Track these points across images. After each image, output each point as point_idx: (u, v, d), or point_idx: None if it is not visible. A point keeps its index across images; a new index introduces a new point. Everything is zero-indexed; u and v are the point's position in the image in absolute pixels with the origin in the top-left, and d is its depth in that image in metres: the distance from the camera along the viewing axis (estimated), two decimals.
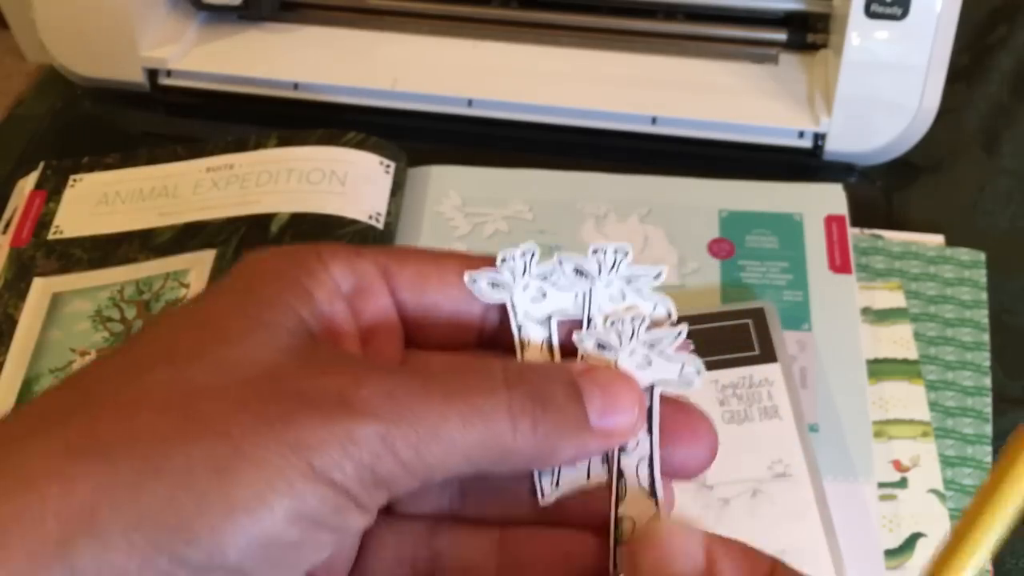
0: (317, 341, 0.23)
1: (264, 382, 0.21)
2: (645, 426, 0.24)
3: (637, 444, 0.24)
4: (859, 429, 0.47)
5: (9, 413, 0.21)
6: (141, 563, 0.19)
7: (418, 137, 0.60)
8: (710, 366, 0.48)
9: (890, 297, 0.52)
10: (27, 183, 0.59)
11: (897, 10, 0.53)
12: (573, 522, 0.25)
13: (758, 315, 0.49)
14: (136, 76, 0.63)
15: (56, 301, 0.53)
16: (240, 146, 0.59)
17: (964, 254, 0.54)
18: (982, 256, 0.54)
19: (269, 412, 0.20)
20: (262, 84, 0.62)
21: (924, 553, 0.44)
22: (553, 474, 0.24)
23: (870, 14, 0.53)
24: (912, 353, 0.50)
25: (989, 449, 0.47)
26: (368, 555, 0.25)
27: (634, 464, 0.24)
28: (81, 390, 0.21)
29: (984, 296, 0.52)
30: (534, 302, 0.25)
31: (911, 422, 0.48)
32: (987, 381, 0.49)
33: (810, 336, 0.50)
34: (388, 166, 0.57)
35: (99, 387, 0.21)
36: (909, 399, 0.49)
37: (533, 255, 0.25)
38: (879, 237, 0.55)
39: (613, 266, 0.25)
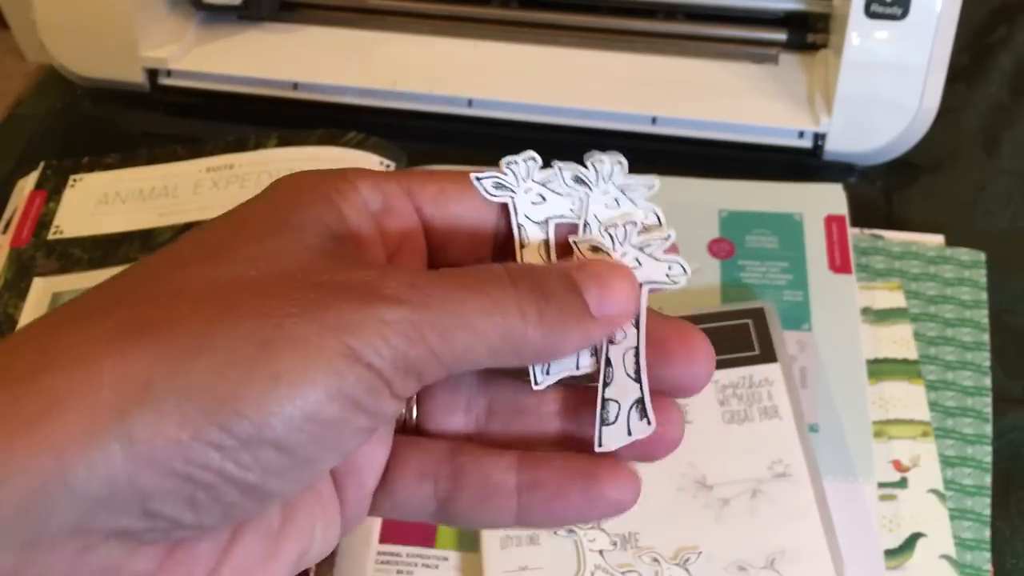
0: (344, 247, 0.24)
1: (298, 273, 0.22)
2: (633, 320, 0.26)
3: (625, 336, 0.26)
4: (859, 429, 0.47)
5: (55, 309, 0.22)
6: (193, 432, 0.20)
7: (418, 137, 0.60)
8: None
9: (890, 297, 0.52)
10: (27, 183, 0.59)
11: (897, 10, 0.53)
12: (590, 441, 0.26)
13: (758, 315, 0.49)
14: (136, 76, 0.63)
15: (56, 301, 0.53)
16: (240, 146, 0.59)
17: (964, 254, 0.54)
18: (982, 256, 0.54)
19: (306, 297, 0.21)
20: (262, 84, 0.62)
21: (924, 553, 0.44)
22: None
23: (870, 14, 0.54)
24: (912, 353, 0.50)
25: (989, 449, 0.47)
26: (393, 470, 0.26)
27: (621, 354, 0.26)
28: (123, 285, 0.22)
29: (984, 296, 0.52)
30: (534, 204, 0.27)
31: (911, 422, 0.48)
32: (987, 381, 0.49)
33: (810, 336, 0.50)
34: (388, 166, 0.57)
35: (141, 282, 0.22)
36: (909, 399, 0.49)
37: (535, 160, 0.27)
38: (879, 237, 0.55)
39: (609, 175, 0.27)
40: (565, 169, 0.27)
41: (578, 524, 0.26)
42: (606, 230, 0.26)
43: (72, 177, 0.59)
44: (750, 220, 0.55)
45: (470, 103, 0.61)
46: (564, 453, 0.26)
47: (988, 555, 0.44)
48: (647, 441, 0.26)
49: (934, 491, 0.46)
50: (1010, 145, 0.61)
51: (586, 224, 0.27)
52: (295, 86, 0.62)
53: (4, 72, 0.70)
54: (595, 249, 0.26)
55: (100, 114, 0.65)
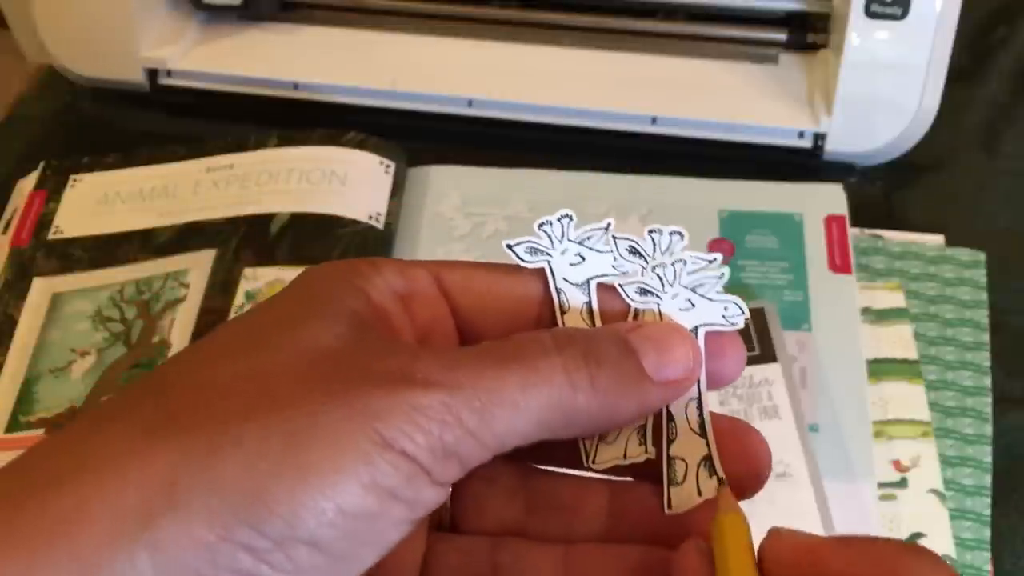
0: (373, 332, 0.23)
1: (327, 362, 0.21)
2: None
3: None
4: (859, 429, 0.47)
5: (91, 409, 0.22)
6: (222, 533, 0.19)
7: (418, 137, 0.60)
8: None
9: (890, 297, 0.52)
10: (27, 183, 0.59)
11: (897, 10, 0.53)
12: (638, 537, 0.25)
13: (758, 315, 0.49)
14: (136, 76, 0.63)
15: (56, 301, 0.53)
16: (240, 146, 0.59)
17: (964, 254, 0.54)
18: (982, 256, 0.54)
19: (335, 387, 0.21)
20: (262, 84, 0.62)
21: None
22: (589, 449, 0.25)
23: (870, 14, 0.53)
24: (912, 353, 0.50)
25: (989, 449, 0.47)
26: (431, 570, 0.25)
27: (683, 405, 0.24)
28: (154, 382, 0.22)
29: (984, 296, 0.52)
30: (572, 266, 0.25)
31: (911, 422, 0.48)
32: (987, 381, 0.49)
33: (810, 336, 0.50)
34: (388, 166, 0.57)
35: (170, 378, 0.22)
36: (909, 399, 0.49)
37: (571, 219, 0.25)
38: (879, 237, 0.55)
39: (667, 247, 0.25)
40: (620, 240, 0.25)
41: None
42: (654, 270, 0.25)
43: (72, 177, 0.59)
44: (750, 220, 0.55)
45: (470, 103, 0.61)
46: (613, 546, 0.25)
47: (988, 555, 0.44)
48: (735, 487, 0.24)
49: (934, 491, 0.46)
50: (1010, 145, 0.61)
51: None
52: (295, 86, 0.62)
53: (4, 72, 0.70)
54: (644, 291, 0.25)
55: (100, 114, 0.65)
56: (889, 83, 0.55)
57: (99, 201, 0.57)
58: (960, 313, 0.52)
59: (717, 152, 0.59)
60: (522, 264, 0.25)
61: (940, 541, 0.44)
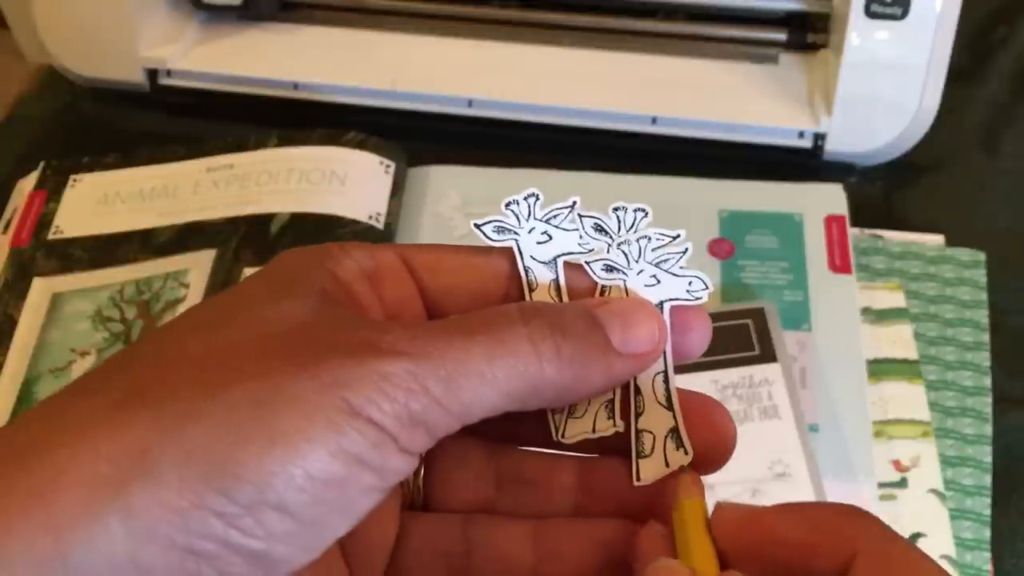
0: (342, 309, 0.24)
1: (294, 335, 0.22)
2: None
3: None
4: (859, 429, 0.47)
5: (63, 387, 0.22)
6: (193, 499, 0.19)
7: (418, 137, 0.60)
8: (710, 366, 0.48)
9: (890, 297, 0.52)
10: (27, 183, 0.59)
11: (897, 10, 0.53)
12: (606, 511, 0.25)
13: (758, 315, 0.49)
14: (136, 76, 0.63)
15: (56, 301, 0.53)
16: (240, 146, 0.59)
17: (964, 254, 0.54)
18: (982, 256, 0.54)
19: (302, 358, 0.21)
20: (262, 84, 0.62)
21: None
22: (559, 424, 0.25)
23: (870, 14, 0.53)
24: (912, 353, 0.50)
25: (989, 449, 0.47)
26: (404, 548, 0.25)
27: (650, 379, 0.25)
28: (124, 359, 0.22)
29: (984, 296, 0.52)
30: (540, 244, 0.26)
31: (911, 422, 0.48)
32: (987, 381, 0.49)
33: (810, 336, 0.50)
34: (388, 166, 0.57)
35: (140, 355, 0.22)
36: (909, 399, 0.49)
37: (537, 199, 0.26)
38: (879, 237, 0.55)
39: (632, 224, 0.25)
40: (586, 218, 0.26)
41: None
42: (619, 247, 0.25)
43: (72, 177, 0.59)
44: (750, 220, 0.55)
45: (470, 103, 0.61)
46: (583, 520, 0.25)
47: (988, 555, 0.44)
48: (701, 461, 0.25)
49: (934, 491, 0.46)
50: (1010, 145, 0.61)
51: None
52: (295, 86, 0.62)
53: (4, 72, 0.70)
54: (609, 268, 0.25)
55: (100, 114, 0.65)
56: (889, 83, 0.55)
57: (99, 201, 0.57)
58: (960, 313, 0.52)
59: (717, 152, 0.59)
60: (490, 243, 0.26)
61: (940, 541, 0.44)
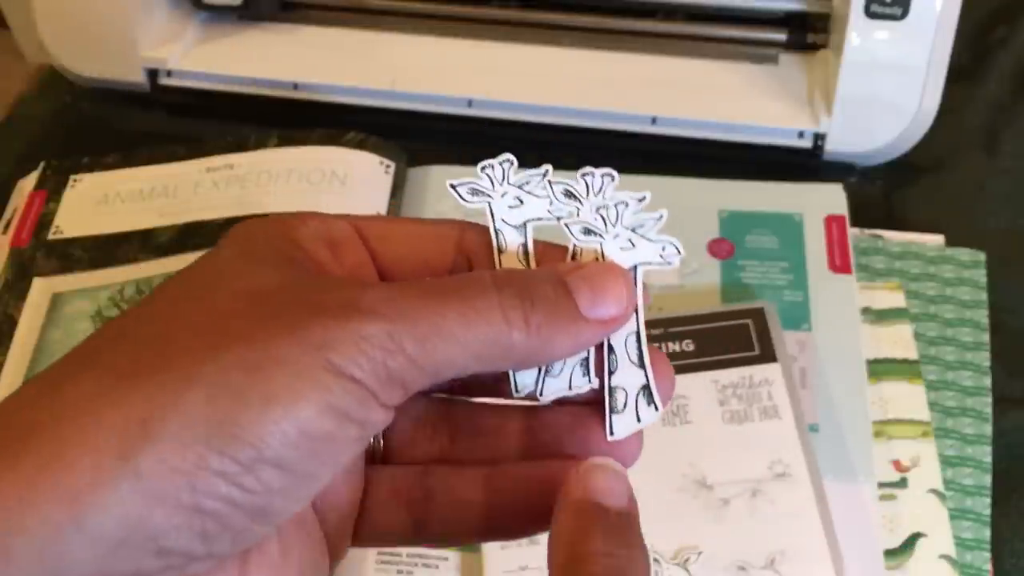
0: (310, 273, 0.25)
1: (276, 299, 0.23)
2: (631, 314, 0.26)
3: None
4: (859, 429, 0.47)
5: (55, 362, 0.23)
6: (196, 461, 0.21)
7: (418, 137, 0.60)
8: (710, 366, 0.48)
9: (890, 297, 0.52)
10: (27, 183, 0.59)
11: (897, 10, 0.53)
12: (555, 454, 0.26)
13: (758, 315, 0.49)
14: (136, 76, 0.63)
15: (56, 301, 0.53)
16: (240, 146, 0.59)
17: (964, 254, 0.54)
18: (982, 256, 0.54)
19: (287, 320, 0.22)
20: (262, 84, 0.62)
21: (924, 553, 0.44)
22: (538, 383, 0.26)
23: (870, 14, 0.54)
24: (912, 353, 0.50)
25: (989, 449, 0.47)
26: (368, 499, 0.27)
27: (623, 339, 0.26)
28: (113, 334, 0.23)
29: (984, 296, 0.52)
30: (511, 208, 0.27)
31: (911, 422, 0.48)
32: (987, 381, 0.49)
33: (810, 336, 0.50)
34: (388, 166, 0.57)
35: (130, 329, 0.23)
36: (909, 399, 0.49)
37: (512, 164, 0.27)
38: (879, 237, 0.55)
39: (600, 188, 0.26)
40: (556, 183, 0.26)
41: (546, 531, 0.26)
42: (597, 211, 0.26)
43: (72, 177, 0.59)
44: (750, 220, 0.55)
45: (470, 103, 0.61)
46: (528, 463, 0.27)
47: (988, 555, 0.44)
48: (610, 455, 0.26)
49: (934, 491, 0.46)
50: (1010, 145, 0.61)
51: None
52: (295, 86, 0.62)
53: (4, 72, 0.70)
54: (588, 231, 0.26)
55: (100, 114, 0.65)
56: (889, 83, 0.55)
57: (99, 201, 0.57)
58: (960, 313, 0.52)
59: (717, 152, 0.59)
60: (464, 204, 0.27)
61: (940, 541, 0.44)
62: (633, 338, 0.26)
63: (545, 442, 0.27)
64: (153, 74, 0.63)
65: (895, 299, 0.52)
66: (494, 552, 0.43)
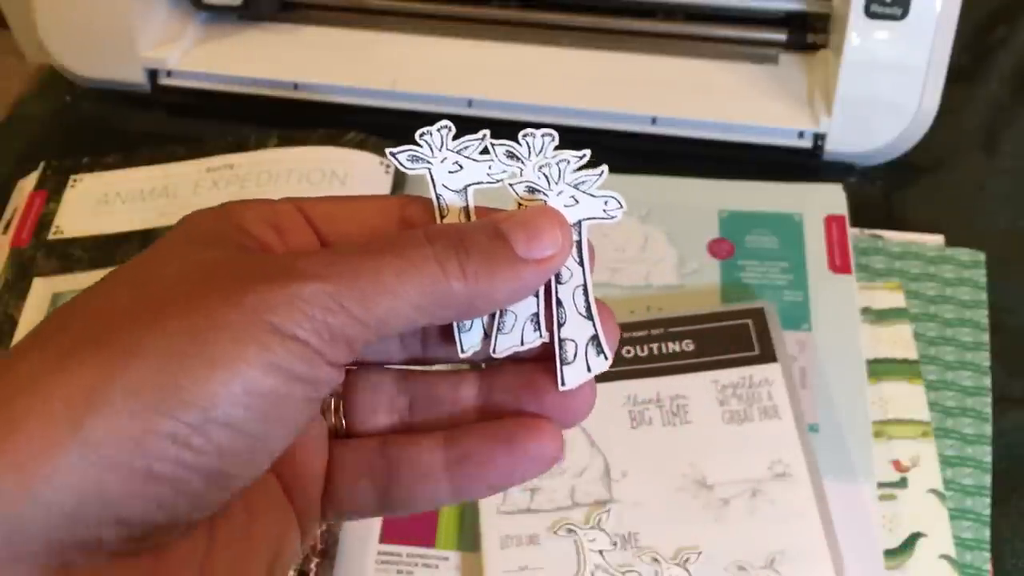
0: (256, 252, 0.26)
1: (216, 271, 0.23)
2: (577, 258, 0.27)
3: (571, 275, 0.27)
4: (859, 429, 0.47)
5: (10, 347, 0.24)
6: (145, 425, 0.21)
7: None
8: (710, 366, 0.48)
9: (890, 297, 0.52)
10: (27, 183, 0.59)
11: (897, 10, 0.53)
12: (511, 412, 0.27)
13: (758, 315, 0.49)
14: (136, 76, 0.63)
15: (56, 301, 0.53)
16: (240, 146, 0.59)
17: (964, 254, 0.54)
18: (982, 256, 0.54)
19: (228, 289, 0.23)
20: (262, 84, 0.62)
21: (924, 553, 0.44)
22: (491, 338, 0.27)
23: (870, 14, 0.54)
24: (912, 353, 0.50)
25: (989, 449, 0.47)
26: (333, 473, 0.28)
27: (570, 292, 0.27)
28: (61, 317, 0.24)
29: (984, 296, 0.52)
30: (451, 173, 0.27)
31: (911, 422, 0.48)
32: (987, 381, 0.49)
33: (810, 336, 0.50)
34: (388, 166, 0.57)
35: (75, 312, 0.24)
36: (909, 399, 0.49)
37: (449, 130, 0.27)
38: (879, 237, 0.55)
39: (540, 148, 0.27)
40: (498, 146, 0.27)
41: (510, 486, 0.28)
42: (540, 170, 0.27)
43: (72, 177, 0.59)
44: (750, 220, 0.55)
45: (470, 103, 0.61)
46: (484, 423, 0.27)
47: (988, 555, 0.44)
48: (560, 407, 0.27)
49: (934, 491, 0.46)
50: (1010, 145, 0.61)
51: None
52: (295, 86, 0.62)
53: (4, 72, 0.70)
54: (532, 190, 0.27)
55: (100, 114, 0.65)
56: (889, 83, 0.55)
57: (99, 201, 0.57)
58: (960, 313, 0.52)
59: (717, 152, 0.59)
60: (404, 170, 0.27)
61: (940, 541, 0.44)
62: (580, 291, 0.27)
63: (500, 402, 0.27)
64: (153, 74, 0.63)
65: (895, 299, 0.52)
66: (494, 552, 0.43)
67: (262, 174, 0.57)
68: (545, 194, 0.27)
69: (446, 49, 0.63)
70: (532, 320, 0.27)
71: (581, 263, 0.27)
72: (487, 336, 0.27)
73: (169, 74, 0.63)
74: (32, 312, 0.52)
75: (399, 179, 0.57)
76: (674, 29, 0.63)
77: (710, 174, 0.57)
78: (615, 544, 0.43)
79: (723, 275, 0.53)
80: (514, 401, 0.27)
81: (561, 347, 0.27)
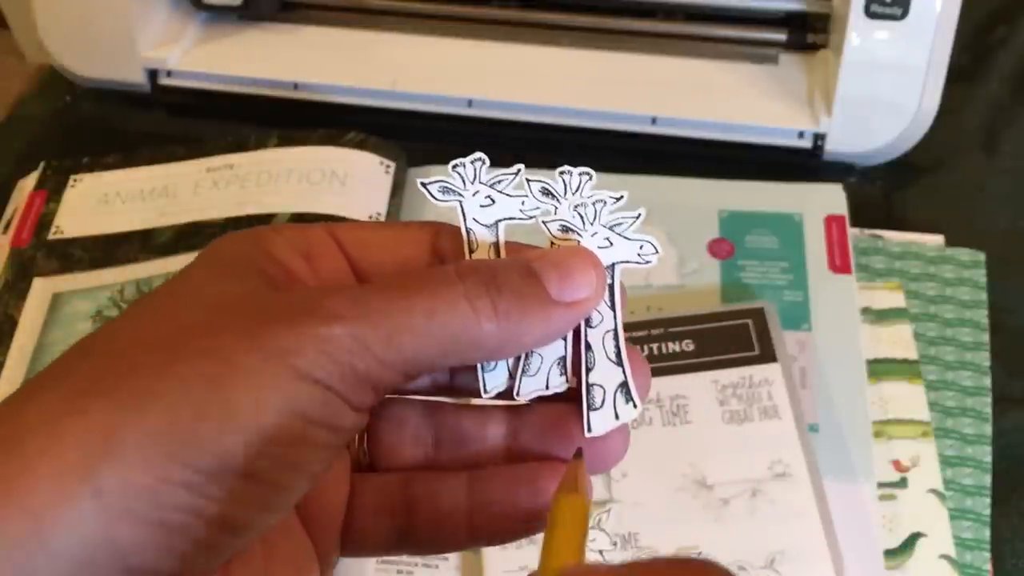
0: (280, 284, 0.25)
1: (235, 309, 0.23)
2: (608, 302, 0.26)
3: (602, 319, 0.26)
4: (859, 429, 0.47)
5: (26, 382, 0.23)
6: (159, 474, 0.20)
7: (418, 137, 0.60)
8: (710, 366, 0.48)
9: (890, 297, 0.52)
10: (27, 183, 0.59)
11: (897, 10, 0.53)
12: (538, 455, 0.26)
13: (758, 315, 0.49)
14: (136, 76, 0.63)
15: (56, 301, 0.53)
16: (240, 146, 0.59)
17: (964, 254, 0.54)
18: (982, 256, 0.54)
19: (247, 327, 0.22)
20: (262, 84, 0.62)
21: (924, 553, 0.44)
22: (516, 380, 0.26)
23: (870, 14, 0.54)
24: (912, 353, 0.50)
25: (989, 449, 0.47)
26: (354, 508, 0.27)
27: (600, 337, 0.26)
28: (80, 351, 0.23)
29: (984, 296, 0.52)
30: (483, 207, 0.26)
31: (911, 422, 0.48)
32: (987, 381, 0.49)
33: (810, 336, 0.50)
34: (388, 166, 0.57)
35: (94, 346, 0.23)
36: (909, 399, 0.49)
37: (484, 163, 0.26)
38: (879, 237, 0.55)
39: (577, 187, 0.26)
40: (533, 182, 0.26)
41: (528, 535, 0.26)
42: (575, 209, 0.26)
43: (72, 177, 0.59)
44: (750, 220, 0.55)
45: (470, 103, 0.61)
46: (510, 465, 0.26)
47: (988, 555, 0.44)
48: (588, 453, 0.26)
49: (934, 491, 0.46)
50: (1010, 145, 0.61)
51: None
52: (295, 86, 0.62)
53: (4, 72, 0.70)
54: (566, 229, 0.26)
55: (100, 114, 0.65)
56: (889, 83, 0.55)
57: (99, 201, 0.57)
58: (960, 313, 0.52)
59: (717, 152, 0.59)
60: (435, 202, 0.26)
61: (940, 541, 0.44)
62: (611, 336, 0.26)
63: (527, 443, 0.26)
64: (153, 74, 0.63)
65: (895, 299, 0.52)
66: (494, 552, 0.43)
67: (262, 174, 0.57)
68: (579, 234, 0.26)
69: (446, 49, 0.63)
70: (559, 363, 0.26)
71: (613, 307, 0.26)
72: (512, 377, 0.26)
73: (169, 74, 0.63)
74: (32, 312, 0.52)
75: (399, 179, 0.57)
76: (674, 29, 0.63)
77: (710, 174, 0.57)
78: (615, 544, 0.43)
79: (723, 275, 0.53)
80: (542, 444, 0.26)
81: (589, 392, 0.26)
